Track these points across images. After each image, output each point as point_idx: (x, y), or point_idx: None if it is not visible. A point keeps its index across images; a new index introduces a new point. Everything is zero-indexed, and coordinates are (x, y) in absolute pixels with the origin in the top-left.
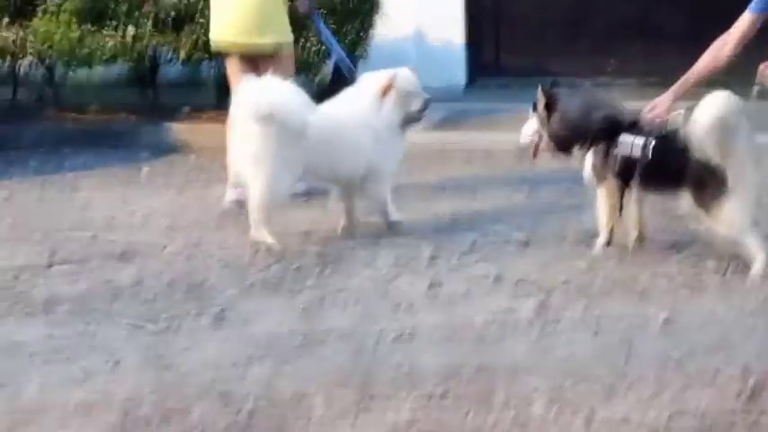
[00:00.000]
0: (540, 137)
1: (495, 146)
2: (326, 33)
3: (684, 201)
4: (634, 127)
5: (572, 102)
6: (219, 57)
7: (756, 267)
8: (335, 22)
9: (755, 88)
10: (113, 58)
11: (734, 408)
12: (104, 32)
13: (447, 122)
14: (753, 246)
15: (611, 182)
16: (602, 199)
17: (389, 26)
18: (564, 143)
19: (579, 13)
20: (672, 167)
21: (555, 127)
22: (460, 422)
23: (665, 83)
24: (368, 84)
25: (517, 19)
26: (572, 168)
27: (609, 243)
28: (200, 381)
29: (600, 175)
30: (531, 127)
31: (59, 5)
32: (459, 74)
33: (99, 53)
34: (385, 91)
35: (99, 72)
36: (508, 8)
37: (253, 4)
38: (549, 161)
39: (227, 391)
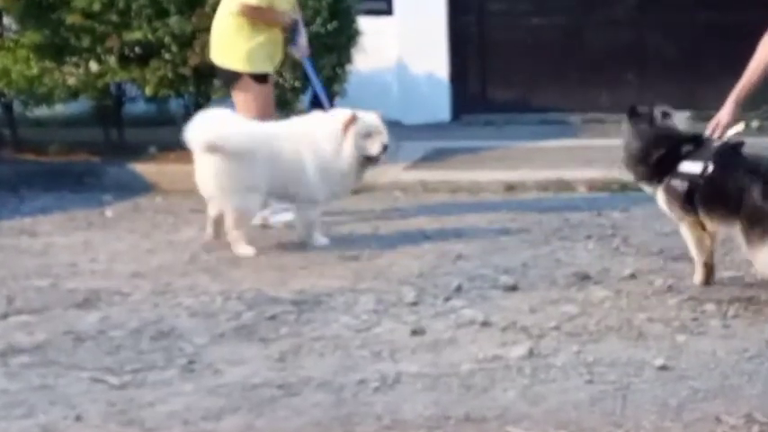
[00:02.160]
0: None
1: (480, 184)
2: (314, 77)
3: (735, 233)
4: (696, 150)
5: (637, 132)
6: (187, 93)
7: None
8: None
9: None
10: (75, 95)
11: None
12: (65, 69)
13: (431, 160)
14: None
15: (689, 215)
16: (687, 235)
17: (369, 60)
18: (634, 174)
19: (568, 44)
20: (728, 193)
21: (623, 157)
22: None
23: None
24: (333, 117)
25: (503, 51)
26: (561, 207)
27: (708, 281)
28: None
29: (673, 209)
30: None
31: (16, 41)
32: (443, 109)
33: (59, 90)
34: (345, 128)
35: (60, 109)
36: (494, 39)
37: (217, 20)
38: None
39: None
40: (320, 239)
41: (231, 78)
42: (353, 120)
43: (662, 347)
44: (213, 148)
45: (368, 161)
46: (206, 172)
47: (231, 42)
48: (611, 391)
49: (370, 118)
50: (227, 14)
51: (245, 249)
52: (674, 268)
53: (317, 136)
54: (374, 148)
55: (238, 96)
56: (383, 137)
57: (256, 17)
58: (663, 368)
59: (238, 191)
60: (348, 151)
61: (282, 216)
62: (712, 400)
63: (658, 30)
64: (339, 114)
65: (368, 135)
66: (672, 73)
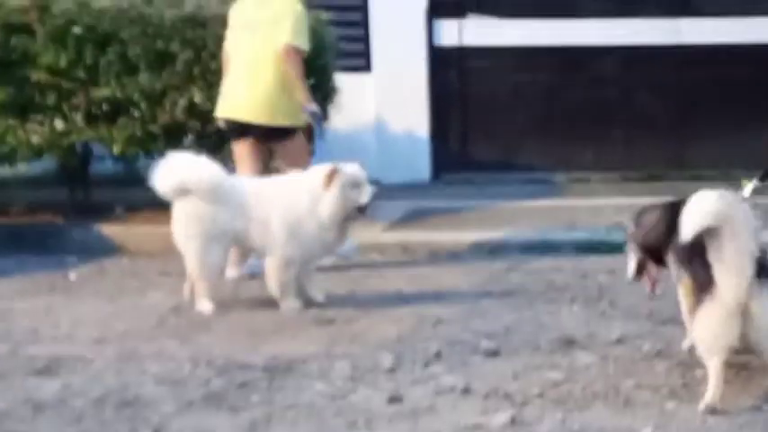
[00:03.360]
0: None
1: (461, 245)
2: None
3: None
4: None
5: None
6: (157, 152)
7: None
8: None
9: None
10: (39, 154)
11: None
12: (29, 127)
13: (410, 220)
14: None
15: None
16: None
17: (347, 118)
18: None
19: (552, 101)
20: None
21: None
22: None
23: (648, 174)
24: (311, 172)
25: (485, 109)
26: (545, 269)
27: None
28: None
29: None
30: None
31: None
32: (423, 168)
33: (23, 149)
34: (328, 181)
35: (23, 168)
36: (475, 97)
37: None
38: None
39: None
40: (291, 304)
41: (281, 135)
42: (337, 172)
43: (650, 415)
44: (182, 191)
45: (355, 212)
46: (176, 221)
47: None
48: None
49: (354, 168)
50: (263, 69)
51: (204, 305)
52: (663, 332)
53: (291, 190)
54: (363, 197)
55: (292, 152)
56: (369, 186)
57: (296, 64)
58: None
59: (202, 239)
60: (333, 204)
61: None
62: None
63: (644, 87)
64: (319, 169)
65: (355, 185)
66: (658, 132)
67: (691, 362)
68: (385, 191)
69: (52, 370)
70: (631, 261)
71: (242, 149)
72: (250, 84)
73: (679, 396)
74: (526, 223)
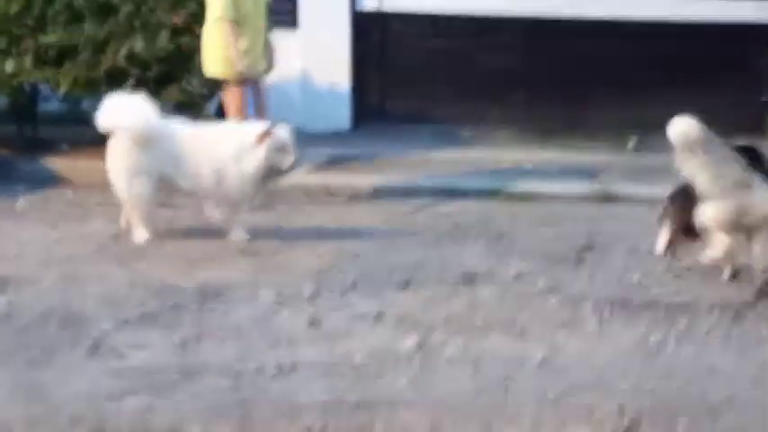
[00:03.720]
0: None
1: (378, 188)
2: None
3: None
4: None
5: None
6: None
7: None
8: None
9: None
10: None
11: None
12: None
13: (332, 164)
14: None
15: None
16: None
17: (275, 69)
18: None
19: (463, 62)
20: None
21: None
22: None
23: (546, 132)
24: (247, 127)
25: (403, 67)
26: (452, 212)
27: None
28: (73, 413)
29: None
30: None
31: None
32: (343, 118)
33: None
34: (260, 139)
35: None
36: (394, 56)
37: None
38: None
39: (99, 425)
40: (238, 234)
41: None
42: (269, 134)
43: (542, 344)
44: (117, 129)
45: (276, 175)
46: (108, 152)
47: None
48: (495, 383)
49: (284, 133)
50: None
51: (139, 234)
52: (555, 271)
53: (222, 140)
54: (285, 162)
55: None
56: (294, 153)
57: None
58: (543, 363)
59: (129, 173)
60: (257, 162)
61: None
62: (587, 393)
63: (546, 54)
64: (255, 126)
65: (281, 150)
66: (557, 94)
67: (579, 298)
68: (308, 139)
69: (0, 288)
70: (662, 236)
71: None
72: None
73: (570, 325)
74: (436, 170)
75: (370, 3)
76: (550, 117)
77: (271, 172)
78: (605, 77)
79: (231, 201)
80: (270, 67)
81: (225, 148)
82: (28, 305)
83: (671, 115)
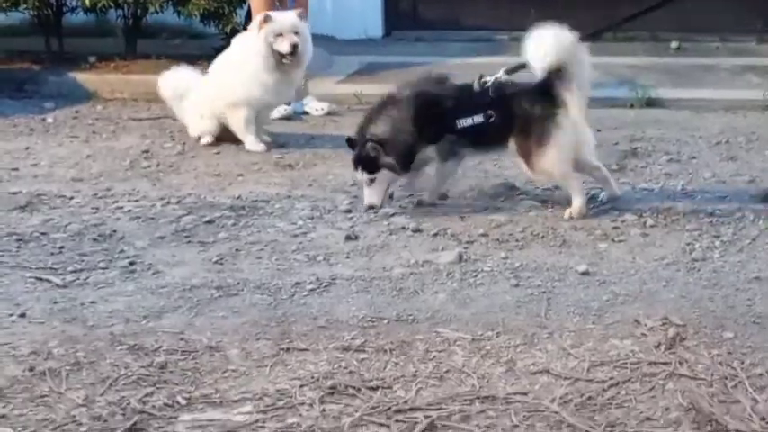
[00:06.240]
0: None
1: None
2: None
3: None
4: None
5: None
6: (126, 5)
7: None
8: None
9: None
10: (15, 4)
11: (653, 358)
12: None
13: (363, 73)
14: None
15: None
16: None
17: None
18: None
19: None
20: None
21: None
22: (379, 373)
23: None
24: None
25: None
26: None
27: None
28: (109, 333)
29: None
30: None
31: None
32: (375, 26)
33: None
34: (259, 27)
35: (0, 19)
36: None
37: None
38: None
39: (138, 343)
40: (254, 145)
41: None
42: (267, 20)
43: (584, 254)
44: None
45: (282, 59)
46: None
47: None
48: (536, 295)
49: (284, 18)
50: None
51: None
52: (593, 180)
53: (241, 41)
54: (283, 46)
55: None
56: (294, 36)
57: None
58: (585, 273)
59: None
60: (257, 48)
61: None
62: (631, 304)
63: None
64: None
65: (279, 34)
66: None
67: (621, 207)
68: (339, 46)
69: (33, 207)
70: None
71: None
72: None
73: (610, 237)
74: (471, 77)
75: None
76: (589, 20)
77: (273, 57)
78: None
79: (246, 102)
80: None
81: (244, 42)
82: (62, 223)
83: (711, 17)
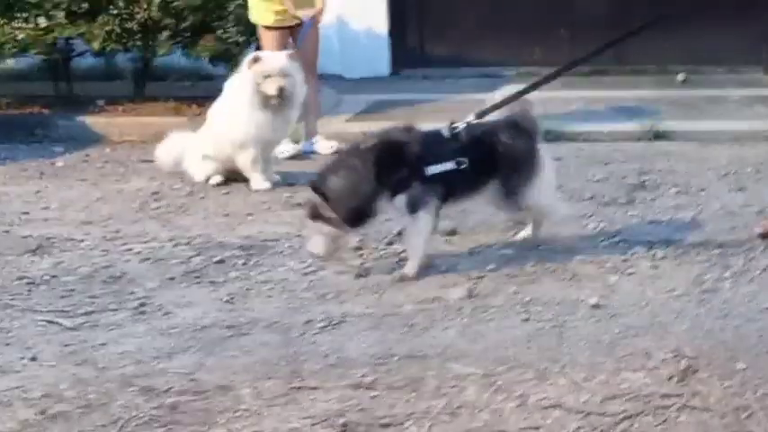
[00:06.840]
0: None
1: None
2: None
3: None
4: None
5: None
6: (134, 48)
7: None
8: (244, 6)
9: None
10: (25, 50)
11: (666, 390)
12: (14, 24)
13: (372, 111)
14: None
15: None
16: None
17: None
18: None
19: (502, 2)
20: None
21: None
22: (390, 410)
23: (593, 71)
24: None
25: (441, 9)
26: None
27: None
28: (120, 375)
29: None
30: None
31: None
32: (382, 64)
33: (9, 45)
34: (249, 66)
35: (10, 64)
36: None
37: None
38: None
39: (148, 385)
40: (260, 183)
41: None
42: (255, 60)
43: (595, 287)
44: None
45: (270, 100)
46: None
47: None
48: (547, 329)
49: (273, 59)
50: None
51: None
52: (605, 213)
53: (233, 82)
54: (270, 88)
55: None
56: (281, 80)
57: None
58: (596, 307)
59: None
60: (246, 88)
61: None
62: (643, 337)
63: None
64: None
65: (267, 75)
66: (600, 31)
67: (630, 239)
68: (347, 85)
69: (43, 250)
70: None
71: None
72: None
73: (620, 270)
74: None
75: None
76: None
77: (261, 98)
78: (651, 11)
79: (243, 142)
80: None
81: (239, 82)
82: (72, 266)
83: (718, 48)
